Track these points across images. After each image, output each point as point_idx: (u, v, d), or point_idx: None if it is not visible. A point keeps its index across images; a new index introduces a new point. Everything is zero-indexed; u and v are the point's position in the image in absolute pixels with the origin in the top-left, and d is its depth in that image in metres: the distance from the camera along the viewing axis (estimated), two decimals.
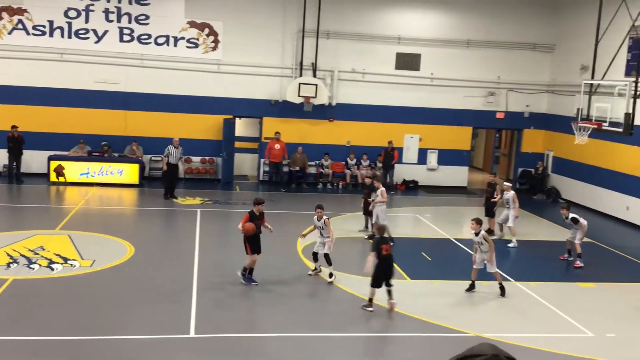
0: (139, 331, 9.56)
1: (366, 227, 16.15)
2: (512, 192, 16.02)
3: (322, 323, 10.38)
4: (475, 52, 23.31)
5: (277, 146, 21.97)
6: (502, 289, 11.92)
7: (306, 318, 10.51)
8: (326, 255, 12.30)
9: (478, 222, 11.94)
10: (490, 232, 15.95)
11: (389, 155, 22.67)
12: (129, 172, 20.94)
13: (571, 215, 14.39)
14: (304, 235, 13.00)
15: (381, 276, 10.74)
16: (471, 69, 23.32)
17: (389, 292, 10.83)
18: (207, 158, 22.60)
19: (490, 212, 16.64)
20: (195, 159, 22.47)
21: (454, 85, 23.30)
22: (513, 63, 23.54)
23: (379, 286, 10.77)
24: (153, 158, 22.09)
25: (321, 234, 12.46)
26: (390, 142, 22.65)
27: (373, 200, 15.43)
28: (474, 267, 12.07)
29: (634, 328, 10.86)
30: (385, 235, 11.56)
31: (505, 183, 16.88)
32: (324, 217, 12.38)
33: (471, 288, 12.10)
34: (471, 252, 13.54)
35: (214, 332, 9.61)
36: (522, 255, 15.41)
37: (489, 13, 23.17)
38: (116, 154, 21.37)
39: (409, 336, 10.14)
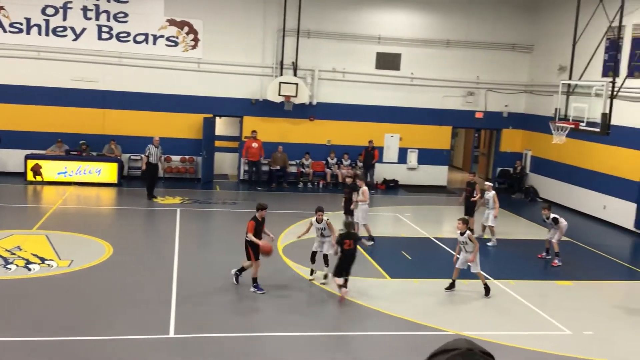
0: (118, 331, 9.48)
1: None
2: (493, 192, 16.11)
3: (302, 322, 10.37)
4: (454, 52, 23.46)
5: (254, 145, 21.91)
6: (486, 288, 11.96)
7: (286, 317, 10.49)
8: (325, 256, 12.31)
9: (464, 221, 12.04)
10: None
11: (370, 155, 22.73)
12: (108, 171, 20.75)
13: (552, 215, 14.51)
14: (300, 237, 13.04)
15: (342, 268, 11.31)
16: (451, 69, 23.46)
17: (345, 281, 11.34)
18: (187, 157, 22.47)
19: (470, 212, 16.69)
20: (175, 158, 22.32)
21: (433, 85, 23.42)
22: (492, 63, 23.72)
23: (340, 276, 11.30)
24: (132, 157, 21.90)
25: (322, 234, 12.45)
26: (370, 142, 22.70)
27: (354, 200, 15.44)
28: (456, 266, 12.11)
29: (611, 326, 11.01)
30: (352, 231, 11.87)
31: (486, 183, 17.00)
32: (325, 218, 12.34)
33: (451, 287, 12.17)
34: (451, 251, 13.62)
35: (193, 332, 9.56)
36: (501, 253, 15.54)
37: (468, 13, 23.33)
38: (94, 153, 21.14)
39: (388, 335, 10.17)
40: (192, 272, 12.41)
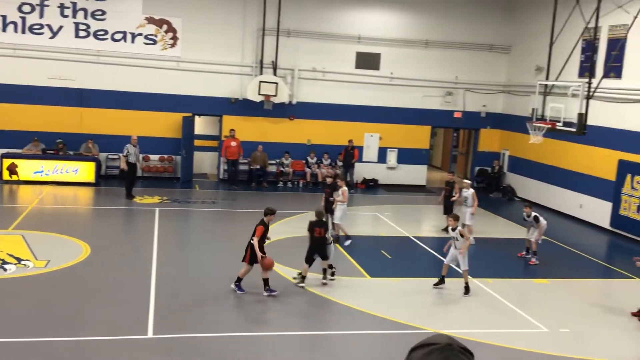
0: (95, 332, 9.40)
1: (333, 227, 16.12)
2: (472, 190, 16.18)
3: (281, 321, 10.37)
4: (433, 52, 23.60)
5: (233, 144, 21.83)
6: (466, 288, 12.06)
7: (265, 317, 10.48)
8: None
9: (455, 218, 12.35)
10: (447, 230, 16.14)
11: (349, 154, 22.79)
12: (85, 171, 20.53)
13: (533, 214, 14.60)
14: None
15: (311, 254, 11.80)
16: (430, 69, 23.60)
17: (324, 271, 11.91)
18: (165, 156, 22.31)
19: (449, 211, 16.77)
20: (154, 157, 22.16)
21: (413, 84, 23.54)
22: (470, 63, 23.91)
23: (309, 262, 11.79)
24: (110, 156, 21.70)
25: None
26: (350, 141, 22.75)
27: (334, 199, 15.46)
28: (445, 262, 12.23)
29: (587, 323, 11.16)
30: (323, 219, 12.10)
31: (465, 181, 17.09)
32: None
33: (440, 283, 12.25)
34: (431, 250, 13.72)
35: (172, 333, 9.51)
36: (479, 252, 15.66)
37: (447, 14, 23.48)
38: (71, 152, 20.90)
39: (368, 333, 10.21)
40: (171, 272, 12.34)
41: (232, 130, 21.98)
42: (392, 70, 23.37)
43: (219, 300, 11.08)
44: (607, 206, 18.43)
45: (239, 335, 9.65)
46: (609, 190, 18.35)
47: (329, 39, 22.77)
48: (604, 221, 18.55)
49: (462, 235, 11.99)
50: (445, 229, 15.74)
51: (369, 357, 9.49)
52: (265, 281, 11.28)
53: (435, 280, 12.32)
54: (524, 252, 15.04)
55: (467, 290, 12.03)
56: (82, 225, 16.19)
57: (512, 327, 10.71)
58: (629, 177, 17.61)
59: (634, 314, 11.28)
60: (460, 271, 12.12)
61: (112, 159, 21.68)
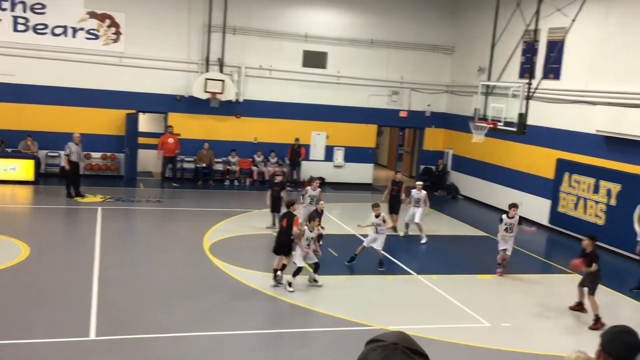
0: (36, 334, 9.12)
1: (273, 224, 16.13)
2: (424, 192, 16.40)
3: (230, 320, 10.29)
4: (379, 52, 23.84)
5: (170, 140, 21.53)
6: (381, 262, 13.43)
7: (214, 316, 10.38)
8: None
9: (376, 205, 13.74)
10: (394, 229, 16.34)
11: (296, 152, 22.80)
12: (23, 169, 19.85)
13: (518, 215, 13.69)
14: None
15: (278, 245, 12.04)
16: (376, 69, 23.84)
17: (283, 266, 12.00)
18: (108, 154, 21.81)
19: (395, 209, 16.95)
20: (96, 155, 21.63)
21: (359, 83, 23.73)
22: (415, 64, 24.26)
23: (278, 253, 11.96)
24: (49, 154, 21.07)
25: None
26: (296, 139, 22.76)
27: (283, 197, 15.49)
28: (363, 244, 13.50)
29: (527, 317, 11.50)
30: (291, 209, 12.32)
31: (418, 182, 17.17)
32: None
33: (351, 260, 13.47)
34: (377, 248, 13.84)
35: (115, 334, 9.32)
36: (424, 249, 15.94)
37: (392, 14, 23.75)
38: (9, 150, 20.20)
39: (314, 331, 10.25)
40: (114, 273, 12.08)
41: (170, 126, 21.67)
42: (339, 69, 23.50)
43: (163, 301, 10.91)
44: (546, 203, 19.02)
45: (184, 336, 9.52)
46: (548, 188, 18.94)
47: (276, 37, 22.72)
48: (543, 218, 19.13)
49: (384, 221, 13.37)
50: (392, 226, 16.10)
51: (315, 354, 9.53)
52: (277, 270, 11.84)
53: (382, 277, 12.47)
54: (500, 270, 13.77)
55: (381, 264, 13.37)
56: (21, 225, 15.67)
57: (456, 323, 10.94)
58: (566, 175, 18.23)
59: (572, 308, 11.70)
60: (378, 250, 13.37)
61: (52, 157, 21.05)
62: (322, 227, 13.07)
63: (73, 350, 8.86)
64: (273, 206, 16.03)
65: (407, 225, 16.67)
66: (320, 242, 12.99)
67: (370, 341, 1.87)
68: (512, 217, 13.54)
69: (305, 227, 11.94)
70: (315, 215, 12.28)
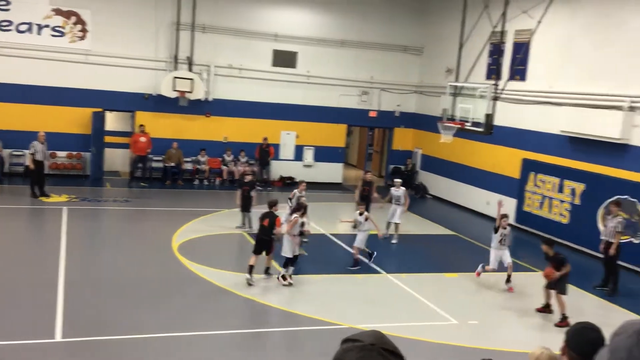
0: (0, 336, 8.95)
1: (243, 223, 16.07)
2: (403, 189, 16.50)
3: (198, 321, 10.22)
4: (349, 52, 23.92)
5: (142, 139, 21.31)
6: (355, 262, 13.69)
7: (182, 317, 10.30)
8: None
9: (359, 204, 14.51)
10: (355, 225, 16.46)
11: (265, 152, 22.74)
12: None
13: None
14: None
15: (259, 245, 12.17)
16: (346, 68, 23.91)
17: (266, 269, 12.36)
18: (74, 153, 21.46)
19: (365, 209, 16.95)
20: (61, 154, 21.26)
21: (329, 83, 23.77)
22: (385, 64, 24.40)
23: (259, 253, 12.08)
24: (14, 153, 20.64)
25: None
26: (264, 139, 22.71)
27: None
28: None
29: (494, 315, 11.68)
30: (273, 210, 12.43)
31: (396, 180, 17.12)
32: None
33: (371, 257, 13.90)
34: (347, 247, 13.91)
35: (81, 336, 9.19)
36: (393, 248, 16.05)
37: (362, 15, 23.85)
38: None
39: (285, 330, 10.24)
40: (81, 273, 11.91)
41: (142, 125, 21.45)
42: (309, 68, 23.52)
43: (131, 302, 10.80)
44: (512, 203, 19.30)
45: (153, 337, 9.44)
46: (514, 188, 19.24)
47: (246, 36, 22.62)
48: (510, 217, 19.39)
49: (366, 220, 13.56)
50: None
51: (286, 354, 9.53)
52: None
53: (353, 276, 12.52)
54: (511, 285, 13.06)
55: (356, 263, 13.70)
56: None
57: (424, 321, 11.05)
58: (532, 175, 18.54)
59: (538, 310, 11.82)
60: (354, 246, 13.76)
61: (16, 156, 20.64)
62: (309, 223, 13.67)
63: (38, 352, 8.71)
64: (243, 205, 15.98)
65: (388, 225, 16.55)
66: (305, 240, 13.90)
67: (345, 340, 1.85)
68: (505, 228, 13.04)
69: (297, 217, 12.43)
70: (303, 207, 12.90)
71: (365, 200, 16.86)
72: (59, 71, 20.82)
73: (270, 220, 12.11)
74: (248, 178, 16.42)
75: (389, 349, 1.81)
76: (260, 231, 12.26)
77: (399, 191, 16.44)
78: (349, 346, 1.81)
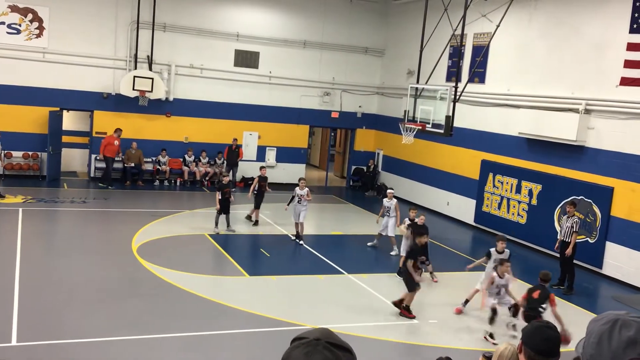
0: None
1: (217, 224, 15.83)
2: (395, 200, 15.58)
3: (158, 323, 10.10)
4: (311, 53, 23.96)
5: (116, 143, 20.97)
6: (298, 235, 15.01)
7: (141, 319, 10.16)
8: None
9: (303, 179, 15.57)
10: (255, 223, 17.06)
11: (234, 153, 22.57)
12: None
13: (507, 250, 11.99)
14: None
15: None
16: (308, 69, 23.95)
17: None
18: (30, 153, 20.96)
19: (258, 204, 17.26)
20: (17, 154, 20.76)
21: (291, 84, 23.77)
22: (347, 65, 24.53)
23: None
24: None
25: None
26: (234, 140, 22.57)
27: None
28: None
29: (454, 313, 11.83)
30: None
31: (389, 190, 16.12)
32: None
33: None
34: (310, 248, 13.90)
35: (38, 340, 8.99)
36: (354, 248, 16.13)
37: (325, 16, 23.93)
38: None
39: (246, 332, 10.21)
40: (36, 276, 11.64)
41: (119, 129, 21.03)
42: (271, 69, 23.47)
43: (89, 305, 10.61)
44: (471, 203, 19.63)
45: (111, 340, 9.29)
46: (473, 189, 19.55)
47: (207, 35, 22.46)
48: (469, 217, 19.74)
49: (307, 194, 15.25)
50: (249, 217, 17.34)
51: (246, 355, 9.49)
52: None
53: (314, 277, 12.54)
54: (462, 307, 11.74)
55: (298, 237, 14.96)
56: None
57: (385, 320, 11.13)
58: (490, 176, 18.86)
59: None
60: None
61: None
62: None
63: None
64: (223, 207, 15.75)
65: (379, 236, 15.89)
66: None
67: (294, 339, 1.90)
68: (502, 252, 11.75)
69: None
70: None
71: (259, 196, 17.19)
72: (14, 69, 20.33)
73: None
74: (226, 180, 16.31)
75: (335, 343, 1.84)
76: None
77: (390, 202, 15.53)
78: (295, 344, 1.86)
